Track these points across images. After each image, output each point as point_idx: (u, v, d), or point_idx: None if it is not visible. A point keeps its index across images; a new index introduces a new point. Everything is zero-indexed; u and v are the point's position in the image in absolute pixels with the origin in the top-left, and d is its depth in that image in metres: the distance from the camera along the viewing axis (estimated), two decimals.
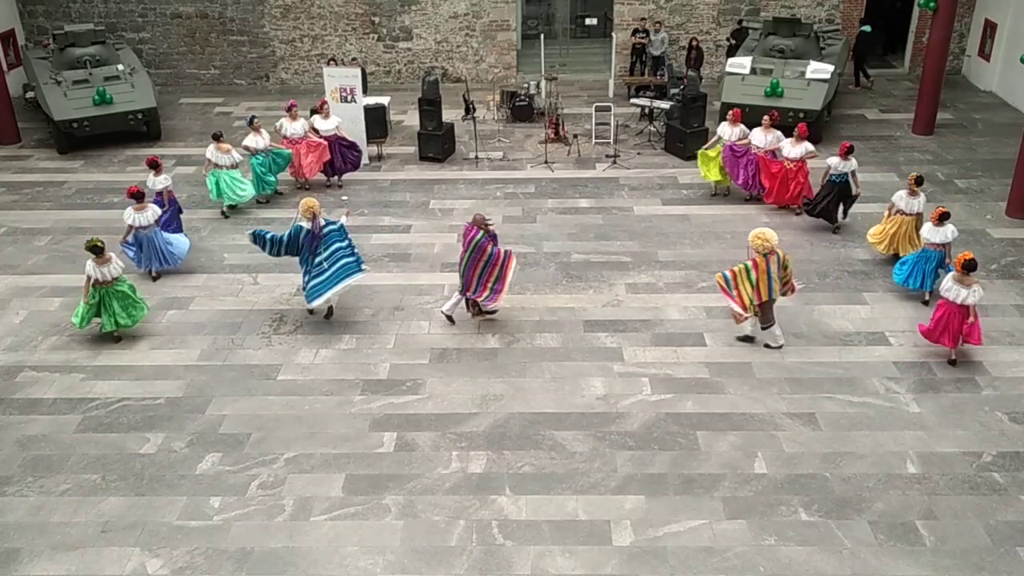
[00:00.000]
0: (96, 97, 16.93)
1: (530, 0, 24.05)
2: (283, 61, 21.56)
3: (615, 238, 13.65)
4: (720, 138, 14.50)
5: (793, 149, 13.87)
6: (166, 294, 12.22)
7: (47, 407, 9.96)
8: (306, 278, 11.17)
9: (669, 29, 20.41)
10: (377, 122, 16.97)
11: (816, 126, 16.80)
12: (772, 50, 17.56)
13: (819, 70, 16.90)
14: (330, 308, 11.52)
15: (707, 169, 14.66)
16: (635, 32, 20.25)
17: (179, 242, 12.72)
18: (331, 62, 18.72)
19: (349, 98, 16.34)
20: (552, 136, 17.30)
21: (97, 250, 10.69)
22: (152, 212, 12.38)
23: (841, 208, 13.62)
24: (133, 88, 17.43)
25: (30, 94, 18.86)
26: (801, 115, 16.47)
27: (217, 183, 14.18)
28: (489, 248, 10.88)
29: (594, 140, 17.43)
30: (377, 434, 9.46)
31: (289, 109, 15.28)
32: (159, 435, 9.48)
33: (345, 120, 15.63)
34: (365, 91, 17.67)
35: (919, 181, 12.19)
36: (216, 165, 14.21)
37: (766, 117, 14.33)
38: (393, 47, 21.37)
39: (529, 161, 16.71)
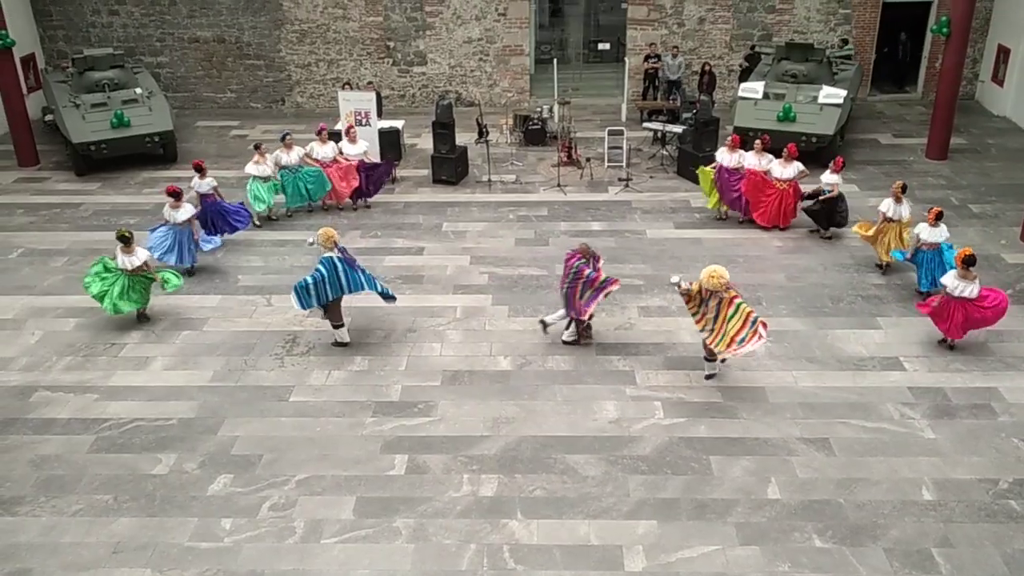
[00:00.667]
0: (114, 120, 17.12)
1: (543, 25, 24.26)
2: (299, 85, 21.77)
3: (628, 261, 13.65)
4: (718, 163, 14.62)
5: (784, 170, 14.04)
6: (180, 315, 12.29)
7: (61, 427, 10.00)
8: (353, 288, 11.19)
9: (684, 55, 20.51)
10: (391, 145, 17.10)
11: (829, 151, 16.82)
12: (785, 75, 17.61)
13: (832, 95, 16.93)
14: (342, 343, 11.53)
15: (706, 185, 14.80)
16: (648, 58, 20.38)
17: (212, 239, 13.51)
18: (346, 86, 18.90)
19: (364, 122, 16.46)
20: (565, 160, 17.36)
21: (125, 240, 11.55)
22: (186, 210, 13.02)
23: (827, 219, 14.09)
24: (150, 111, 17.62)
25: (49, 117, 19.09)
26: (814, 140, 16.52)
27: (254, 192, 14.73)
28: (586, 273, 10.85)
29: (607, 164, 17.49)
30: (388, 456, 9.45)
31: (319, 132, 15.50)
32: (171, 456, 9.50)
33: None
34: (380, 115, 17.83)
35: (904, 189, 12.82)
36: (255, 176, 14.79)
37: (758, 141, 14.52)
38: (408, 71, 21.56)
39: (542, 184, 16.77)
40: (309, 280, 10.87)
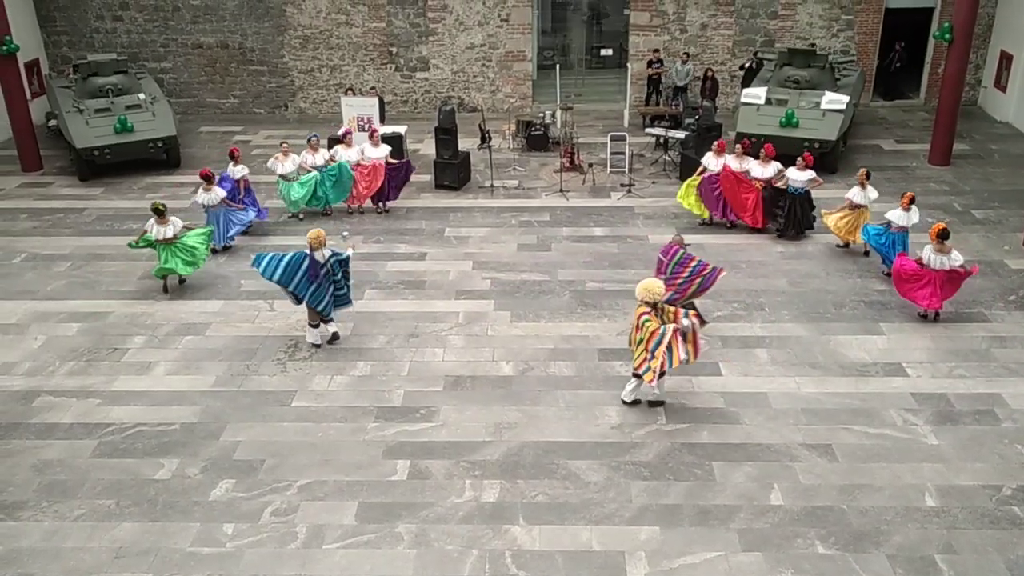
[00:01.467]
0: (117, 125, 17.17)
1: (546, 31, 24.28)
2: (302, 91, 21.82)
3: (630, 266, 13.64)
4: (706, 168, 14.64)
5: (764, 170, 14.22)
6: (183, 320, 12.30)
7: (63, 432, 10.01)
8: (307, 299, 11.26)
9: (686, 62, 20.54)
10: (394, 151, 17.11)
11: (831, 156, 16.85)
12: (787, 80, 17.62)
13: (834, 100, 16.94)
14: (334, 333, 11.61)
15: (685, 198, 14.84)
16: (651, 63, 20.41)
17: (246, 214, 14.40)
18: (349, 92, 18.94)
19: (366, 127, 16.47)
20: (567, 165, 17.37)
21: (159, 212, 12.67)
22: (217, 193, 13.89)
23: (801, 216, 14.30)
24: (154, 117, 17.67)
25: (53, 122, 19.15)
26: (817, 145, 16.52)
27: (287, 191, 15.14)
28: (693, 263, 11.23)
29: (609, 169, 17.50)
30: (390, 462, 9.44)
31: (344, 136, 15.64)
32: (173, 461, 9.50)
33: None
34: (383, 120, 17.86)
35: (868, 175, 13.44)
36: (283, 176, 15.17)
37: (738, 146, 14.71)
38: (410, 77, 21.60)
39: (544, 190, 16.78)
40: (270, 255, 11.19)
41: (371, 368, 11.14)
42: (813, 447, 9.54)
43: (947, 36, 16.77)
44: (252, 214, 14.59)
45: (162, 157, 18.00)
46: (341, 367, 11.15)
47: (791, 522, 8.52)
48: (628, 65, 20.79)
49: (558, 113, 18.78)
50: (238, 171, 14.80)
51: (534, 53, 22.14)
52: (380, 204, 15.81)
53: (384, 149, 15.65)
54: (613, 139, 17.58)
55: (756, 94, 17.50)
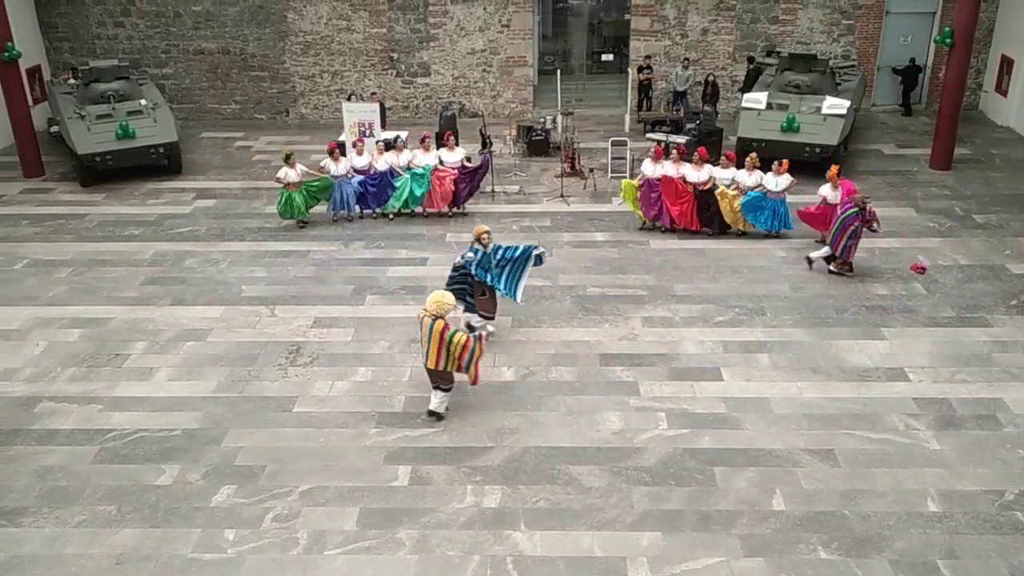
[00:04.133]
0: (119, 131, 17.19)
1: (547, 36, 24.32)
2: (303, 96, 21.85)
3: (631, 272, 13.64)
4: (643, 175, 14.79)
5: (698, 174, 14.47)
6: (184, 325, 12.30)
7: (64, 438, 10.00)
8: (497, 284, 11.55)
9: (687, 67, 20.56)
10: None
11: (833, 161, 16.82)
12: (788, 85, 17.63)
13: (835, 105, 16.95)
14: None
15: (629, 198, 14.98)
16: (641, 69, 20.38)
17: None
18: (351, 97, 18.96)
19: (367, 132, 16.49)
20: (568, 170, 17.38)
21: (288, 158, 14.85)
22: (344, 164, 15.17)
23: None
24: (155, 122, 17.68)
25: (54, 128, 19.17)
26: (818, 150, 16.54)
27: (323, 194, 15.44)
28: (855, 224, 12.76)
29: (610, 174, 17.50)
30: (392, 467, 9.43)
31: (423, 140, 15.71)
32: (175, 467, 9.49)
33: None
34: (384, 126, 17.88)
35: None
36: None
37: (674, 151, 14.90)
38: (411, 82, 21.63)
39: (545, 195, 16.79)
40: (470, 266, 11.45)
41: (372, 374, 11.13)
42: (815, 452, 9.53)
43: (948, 40, 16.78)
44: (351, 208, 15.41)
45: (163, 163, 18.01)
46: (342, 373, 11.15)
47: (793, 527, 8.50)
48: (629, 70, 20.81)
49: (559, 118, 18.80)
50: (359, 161, 15.36)
51: (535, 58, 22.17)
52: (454, 208, 15.83)
53: (460, 153, 15.68)
54: (614, 144, 17.59)
55: (757, 99, 17.51)
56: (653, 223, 15.02)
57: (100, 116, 17.41)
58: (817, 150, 16.54)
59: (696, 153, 14.67)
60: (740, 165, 14.70)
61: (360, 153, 15.54)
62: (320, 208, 15.51)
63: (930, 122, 19.35)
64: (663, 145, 16.46)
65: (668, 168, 14.56)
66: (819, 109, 16.92)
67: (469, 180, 15.61)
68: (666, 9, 20.71)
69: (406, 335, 11.93)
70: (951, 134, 17.36)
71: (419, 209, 15.71)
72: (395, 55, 21.36)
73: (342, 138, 17.09)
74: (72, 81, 18.58)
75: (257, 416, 10.33)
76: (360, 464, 9.48)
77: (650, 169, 14.65)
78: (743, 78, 20.27)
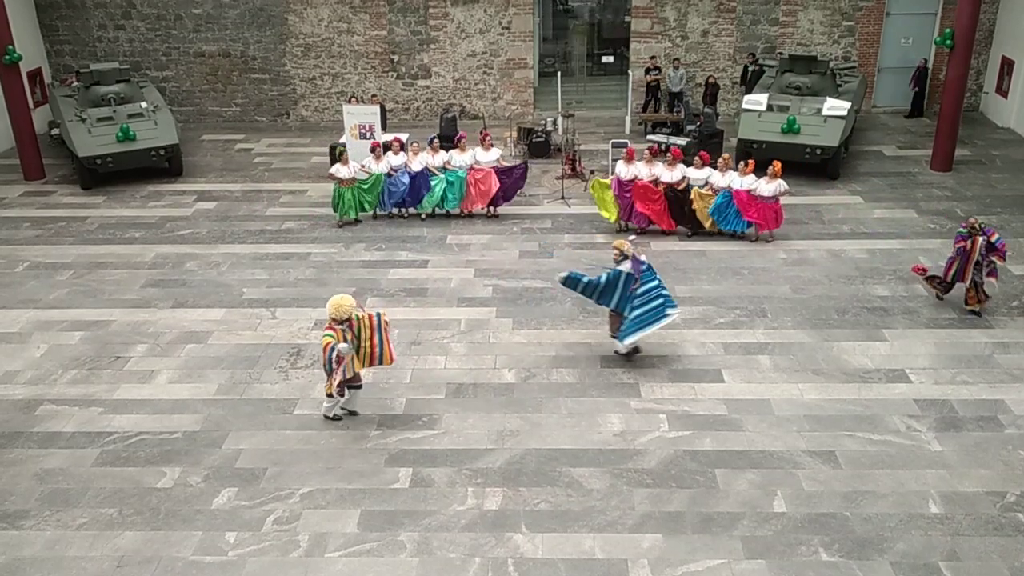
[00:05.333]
0: (120, 134, 17.19)
1: (547, 38, 24.32)
2: (303, 99, 21.86)
3: None
4: (616, 174, 14.83)
5: (671, 174, 14.53)
6: (185, 328, 12.30)
7: (65, 441, 10.00)
8: (626, 312, 10.92)
9: (686, 67, 20.58)
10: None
11: (834, 162, 16.85)
12: (789, 87, 17.63)
13: (836, 107, 16.95)
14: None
15: (601, 201, 15.00)
16: (648, 70, 20.42)
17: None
18: (352, 99, 18.97)
19: (368, 135, 16.51)
20: (569, 172, 17.38)
21: (339, 153, 15.36)
22: (386, 162, 15.29)
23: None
24: (156, 125, 17.69)
25: (55, 131, 19.18)
26: (818, 151, 16.54)
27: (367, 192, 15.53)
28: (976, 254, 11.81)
29: (611, 176, 17.46)
30: (393, 470, 9.43)
31: (458, 141, 15.74)
32: (176, 469, 9.49)
33: (363, 156, 15.79)
34: (384, 128, 17.87)
35: (704, 157, 14.59)
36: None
37: (647, 151, 15.01)
38: (412, 85, 21.64)
39: (546, 197, 16.79)
40: (586, 279, 11.08)
41: (373, 376, 11.12)
42: (816, 454, 9.52)
43: (948, 42, 16.78)
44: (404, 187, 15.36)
45: (164, 165, 18.02)
46: None
47: (794, 529, 8.49)
48: (629, 72, 20.81)
49: (559, 120, 18.80)
50: (396, 160, 15.40)
51: (535, 60, 22.17)
52: (491, 208, 15.83)
53: (495, 152, 15.70)
54: (614, 146, 17.58)
55: (758, 100, 17.52)
56: (625, 224, 15.04)
57: (101, 119, 17.41)
58: (818, 151, 16.54)
59: (669, 154, 14.75)
60: (714, 165, 14.75)
61: (396, 153, 15.60)
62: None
63: (931, 123, 19.35)
64: (662, 147, 16.54)
65: (640, 168, 14.61)
66: (820, 111, 16.92)
67: (506, 180, 15.56)
68: (666, 11, 20.72)
69: (407, 337, 11.92)
70: (952, 135, 17.35)
71: (455, 210, 15.71)
72: (395, 57, 21.37)
73: (343, 140, 17.08)
74: (75, 84, 18.59)
75: (258, 418, 10.32)
76: (361, 466, 9.48)
77: (623, 170, 14.68)
78: (740, 76, 20.24)
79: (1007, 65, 19.98)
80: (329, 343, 9.50)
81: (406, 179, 15.33)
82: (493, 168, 15.50)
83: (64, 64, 21.43)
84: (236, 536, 8.54)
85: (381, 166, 15.37)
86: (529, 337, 11.91)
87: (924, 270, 12.67)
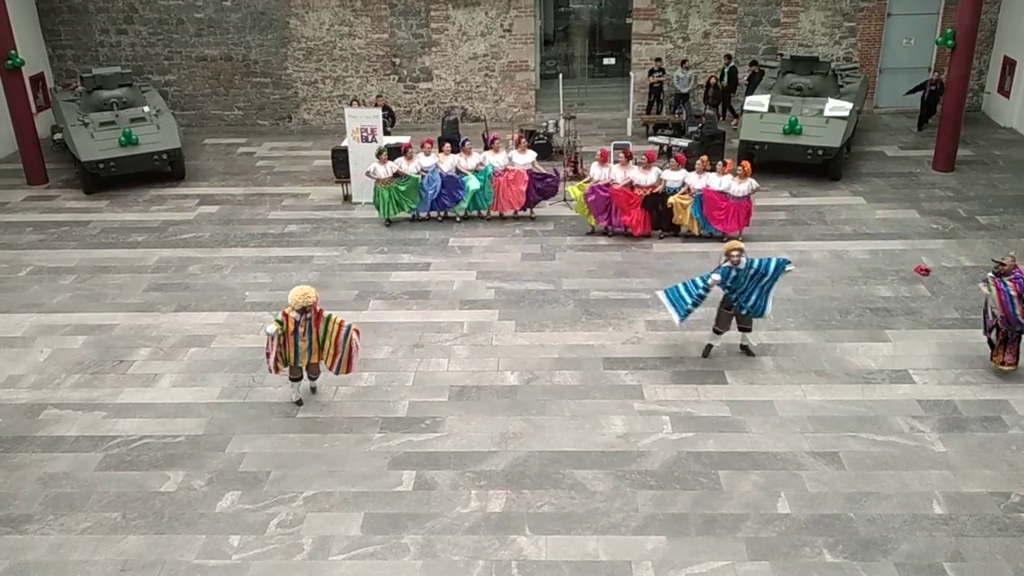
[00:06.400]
0: (122, 138, 17.22)
1: (549, 41, 24.34)
2: (305, 102, 21.88)
3: (634, 275, 13.64)
4: (592, 178, 14.81)
5: (646, 176, 14.57)
6: (188, 332, 12.31)
7: (69, 445, 10.01)
8: (742, 300, 11.02)
9: (687, 68, 20.58)
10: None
11: (836, 163, 16.84)
12: (790, 88, 17.63)
13: (838, 108, 16.94)
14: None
15: (580, 206, 15.03)
16: (652, 72, 20.44)
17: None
18: (354, 102, 18.99)
19: (370, 138, 16.52)
20: (571, 174, 17.38)
21: (380, 154, 15.09)
22: (416, 164, 15.26)
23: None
24: (158, 129, 17.72)
25: (58, 136, 19.22)
26: (820, 152, 16.53)
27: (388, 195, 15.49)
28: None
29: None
30: (396, 472, 9.43)
31: (492, 142, 15.76)
32: (179, 473, 9.49)
33: (365, 160, 15.81)
34: (387, 131, 17.88)
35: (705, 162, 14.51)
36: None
37: (621, 154, 15.01)
38: (414, 88, 21.66)
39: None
40: (692, 295, 11.07)
41: (376, 379, 11.13)
42: (820, 455, 9.51)
43: (950, 42, 16.76)
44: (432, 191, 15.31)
45: (167, 169, 18.04)
46: (345, 378, 11.11)
47: (798, 531, 8.48)
48: (631, 74, 20.82)
49: (561, 122, 18.81)
50: (425, 161, 15.38)
51: (537, 63, 22.20)
52: (527, 210, 15.84)
53: (530, 155, 15.71)
54: (616, 148, 17.56)
55: (759, 102, 17.52)
56: (605, 229, 15.04)
57: (103, 123, 17.44)
58: (820, 152, 16.54)
59: (644, 155, 14.81)
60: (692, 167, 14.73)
61: (427, 154, 15.61)
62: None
63: (933, 124, 19.31)
64: (664, 149, 16.51)
65: (615, 171, 14.61)
66: (821, 111, 16.92)
67: (539, 184, 15.55)
68: (667, 13, 20.73)
69: (409, 340, 11.93)
70: (954, 135, 17.33)
71: (484, 212, 15.73)
72: (397, 60, 21.40)
73: (344, 143, 17.08)
74: (77, 88, 18.63)
75: (261, 422, 10.33)
76: (364, 469, 9.48)
77: (598, 173, 14.69)
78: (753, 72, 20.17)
79: (1009, 65, 19.97)
80: (338, 318, 10.18)
81: (438, 178, 15.26)
82: (528, 171, 15.49)
83: (67, 69, 21.48)
84: (240, 540, 8.55)
85: (412, 167, 15.35)
86: (532, 339, 11.91)
87: (927, 270, 12.66)
